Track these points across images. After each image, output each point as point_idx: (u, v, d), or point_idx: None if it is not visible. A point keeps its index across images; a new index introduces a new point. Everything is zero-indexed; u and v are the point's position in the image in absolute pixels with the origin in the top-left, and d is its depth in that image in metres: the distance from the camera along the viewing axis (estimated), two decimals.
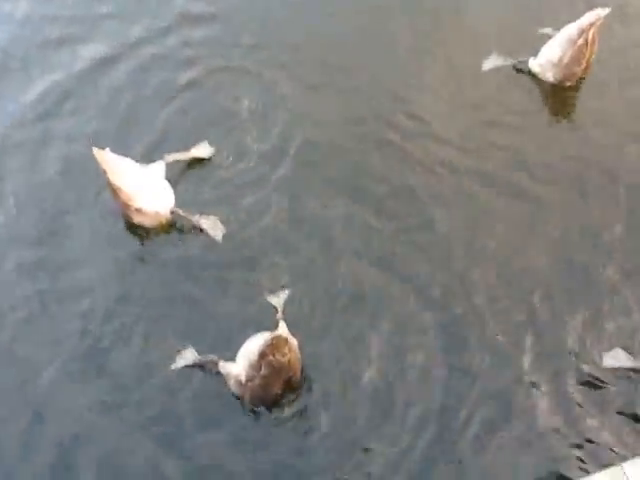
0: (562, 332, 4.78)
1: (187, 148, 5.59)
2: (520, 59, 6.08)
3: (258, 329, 4.58)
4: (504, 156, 5.65)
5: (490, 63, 6.08)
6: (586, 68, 5.91)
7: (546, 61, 5.97)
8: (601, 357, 4.63)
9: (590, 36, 5.66)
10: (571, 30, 5.75)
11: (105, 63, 6.15)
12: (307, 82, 6.05)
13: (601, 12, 5.58)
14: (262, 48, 6.24)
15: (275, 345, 4.18)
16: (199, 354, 4.68)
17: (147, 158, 5.46)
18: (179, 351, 4.71)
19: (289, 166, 5.58)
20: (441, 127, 5.77)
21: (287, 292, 4.80)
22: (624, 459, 4.23)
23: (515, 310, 4.91)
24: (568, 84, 6.00)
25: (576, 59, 5.79)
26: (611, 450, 4.36)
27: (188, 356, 4.68)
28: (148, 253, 5.25)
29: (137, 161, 5.23)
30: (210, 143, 5.64)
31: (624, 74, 6.12)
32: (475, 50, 6.14)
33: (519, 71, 6.08)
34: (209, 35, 6.35)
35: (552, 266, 5.10)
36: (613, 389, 4.58)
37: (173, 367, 4.66)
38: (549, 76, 5.98)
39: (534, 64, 6.05)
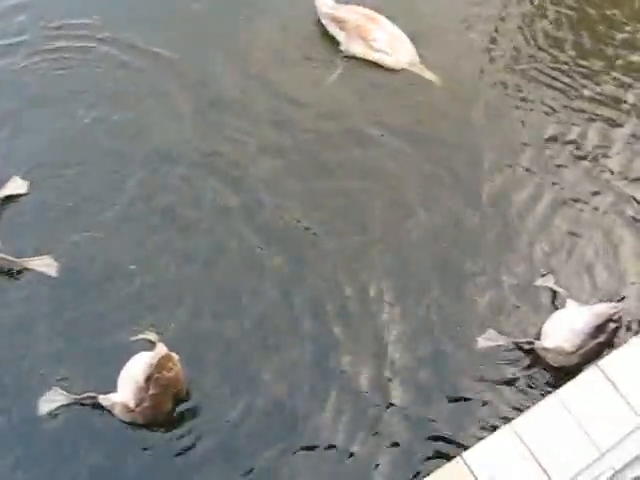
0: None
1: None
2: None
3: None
4: None
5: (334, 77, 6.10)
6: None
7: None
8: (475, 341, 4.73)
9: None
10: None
11: None
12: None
13: None
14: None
15: (161, 364, 4.25)
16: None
17: None
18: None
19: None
20: None
21: (157, 336, 4.60)
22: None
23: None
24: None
25: (363, 32, 6.08)
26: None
27: (58, 397, 4.42)
28: None
29: None
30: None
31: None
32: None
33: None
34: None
35: None
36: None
37: (47, 411, 4.39)
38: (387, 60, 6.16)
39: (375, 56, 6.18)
